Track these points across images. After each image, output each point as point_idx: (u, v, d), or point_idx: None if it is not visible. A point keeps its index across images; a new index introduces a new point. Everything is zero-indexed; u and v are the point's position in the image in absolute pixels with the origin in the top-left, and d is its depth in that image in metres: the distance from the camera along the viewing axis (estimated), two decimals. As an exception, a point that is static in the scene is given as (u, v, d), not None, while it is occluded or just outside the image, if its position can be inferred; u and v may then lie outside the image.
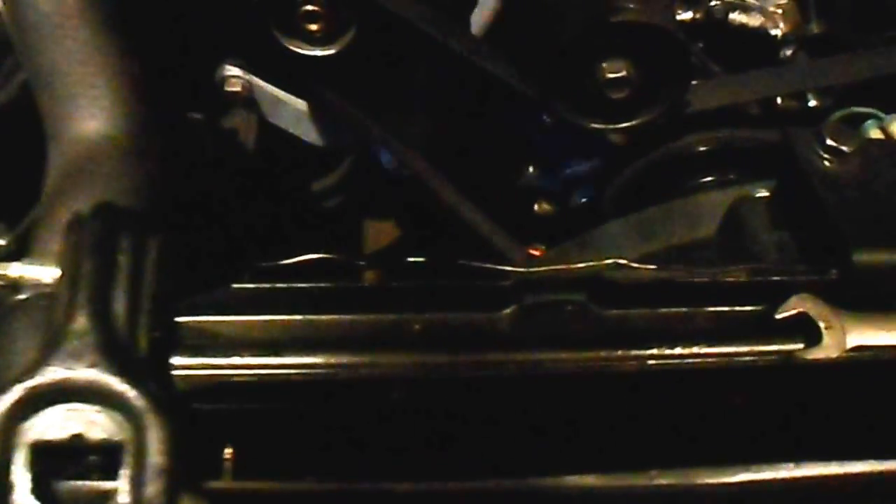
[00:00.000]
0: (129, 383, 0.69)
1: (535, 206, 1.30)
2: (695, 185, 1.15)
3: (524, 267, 0.84)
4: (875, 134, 1.01)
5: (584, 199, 1.24)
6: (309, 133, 1.09)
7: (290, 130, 1.09)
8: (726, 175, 1.14)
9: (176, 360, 0.79)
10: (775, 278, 0.85)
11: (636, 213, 1.09)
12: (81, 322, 0.71)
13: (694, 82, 1.07)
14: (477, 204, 1.07)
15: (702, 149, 1.16)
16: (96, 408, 0.70)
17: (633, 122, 1.07)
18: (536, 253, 1.13)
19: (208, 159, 1.04)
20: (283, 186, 1.16)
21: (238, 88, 1.05)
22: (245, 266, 0.89)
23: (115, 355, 0.71)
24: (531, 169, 1.30)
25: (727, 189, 1.05)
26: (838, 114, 1.04)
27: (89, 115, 0.86)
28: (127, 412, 0.69)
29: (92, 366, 0.70)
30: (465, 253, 0.92)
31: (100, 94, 0.87)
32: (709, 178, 1.15)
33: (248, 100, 1.06)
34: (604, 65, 1.00)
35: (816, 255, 0.90)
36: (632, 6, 0.99)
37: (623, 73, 1.02)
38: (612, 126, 1.07)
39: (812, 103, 1.22)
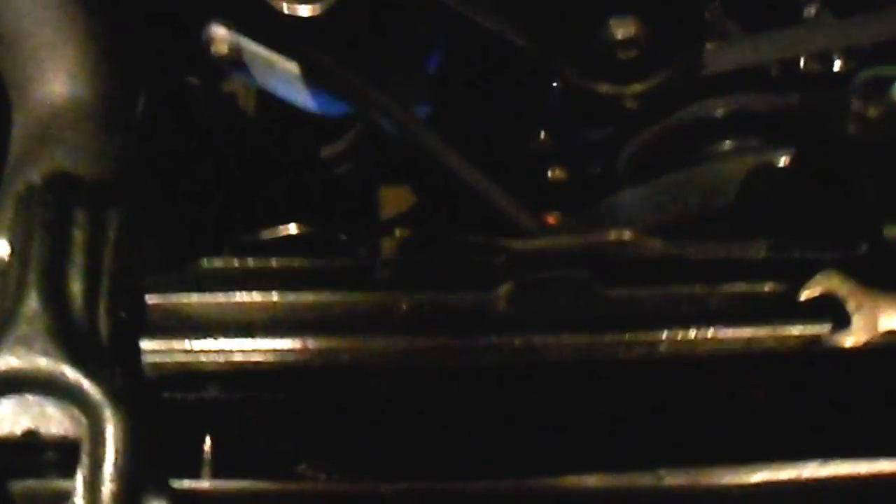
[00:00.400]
0: (84, 373, 0.63)
1: (549, 173, 1.23)
2: (712, 151, 1.08)
3: (527, 239, 0.76)
4: (903, 95, 0.93)
5: (598, 167, 1.17)
6: (303, 99, 1.02)
7: (282, 96, 1.02)
8: (745, 141, 1.07)
9: (144, 345, 0.72)
10: (799, 254, 0.78)
11: (651, 182, 1.02)
12: (32, 304, 0.65)
13: (710, 43, 1.02)
14: (486, 171, 1.01)
15: (719, 114, 1.09)
16: (50, 400, 0.63)
17: (644, 86, 1.01)
18: (551, 221, 1.07)
19: (200, 126, 0.98)
20: (284, 154, 1.09)
21: (225, 51, 0.97)
22: (223, 240, 0.83)
23: (69, 341, 0.65)
24: (543, 135, 1.23)
25: (746, 156, 0.97)
26: (864, 75, 0.96)
27: (53, 78, 0.80)
28: (83, 405, 0.63)
29: (44, 353, 0.64)
30: (468, 225, 0.85)
31: (65, 55, 0.80)
32: (727, 145, 1.08)
33: (236, 62, 0.99)
34: (611, 22, 0.95)
35: (844, 229, 0.82)
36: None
37: (632, 32, 0.96)
38: (621, 89, 1.00)
39: (837, 65, 1.14)
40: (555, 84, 1.11)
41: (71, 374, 0.64)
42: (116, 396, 0.65)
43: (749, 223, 0.92)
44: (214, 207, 0.93)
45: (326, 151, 1.14)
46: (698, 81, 1.04)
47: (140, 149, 0.81)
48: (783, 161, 0.94)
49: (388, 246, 0.92)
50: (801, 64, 1.11)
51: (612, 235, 0.76)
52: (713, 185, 0.98)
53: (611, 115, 1.11)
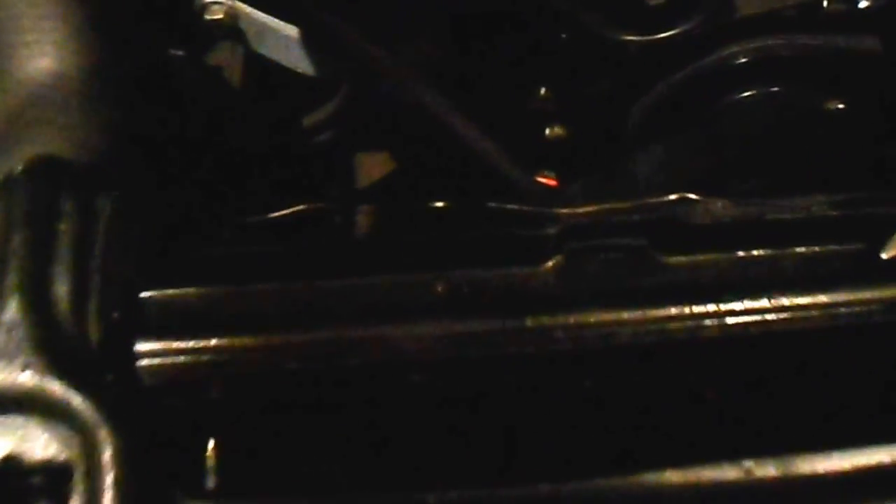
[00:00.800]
0: (74, 388, 0.53)
1: (546, 131, 1.15)
2: (733, 100, 1.00)
3: (574, 205, 0.67)
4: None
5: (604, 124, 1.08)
6: (300, 62, 0.95)
7: (280, 61, 0.95)
8: (768, 87, 0.98)
9: (141, 347, 0.62)
10: (877, 209, 0.69)
11: (672, 138, 0.93)
12: (11, 311, 0.54)
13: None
14: (483, 130, 0.93)
15: (741, 61, 1.00)
16: (35, 419, 0.53)
17: (670, 33, 0.92)
18: (550, 182, 1.00)
19: (188, 98, 0.88)
20: (270, 122, 1.00)
21: (220, 16, 0.90)
22: (223, 221, 0.73)
23: (56, 352, 0.55)
24: (542, 90, 1.14)
25: (787, 102, 0.88)
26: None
27: (37, 53, 0.70)
28: (74, 424, 0.53)
29: (25, 367, 0.53)
30: (477, 193, 0.76)
31: (49, 27, 0.71)
32: (749, 93, 0.99)
33: (232, 29, 0.91)
34: None
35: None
36: None
37: None
38: (646, 38, 0.92)
39: (863, 4, 1.05)
40: (562, 34, 1.02)
41: (58, 389, 0.54)
42: (112, 412, 0.55)
43: (796, 178, 0.83)
44: (205, 186, 0.83)
45: (310, 119, 1.06)
46: (721, 27, 0.96)
47: (129, 126, 0.70)
48: (835, 107, 0.85)
49: (407, 219, 0.82)
50: (825, 4, 1.04)
51: (672, 196, 0.67)
52: (747, 136, 0.89)
53: (624, 66, 1.03)
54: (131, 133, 0.73)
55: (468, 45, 1.04)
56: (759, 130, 0.93)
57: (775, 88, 0.98)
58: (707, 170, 0.96)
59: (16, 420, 0.54)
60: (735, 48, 0.99)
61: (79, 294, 0.58)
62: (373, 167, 1.15)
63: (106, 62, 0.74)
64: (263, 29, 0.93)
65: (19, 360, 0.53)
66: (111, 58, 0.74)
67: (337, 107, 1.04)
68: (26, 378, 0.54)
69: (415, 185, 0.99)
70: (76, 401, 0.54)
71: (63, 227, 0.59)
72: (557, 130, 1.13)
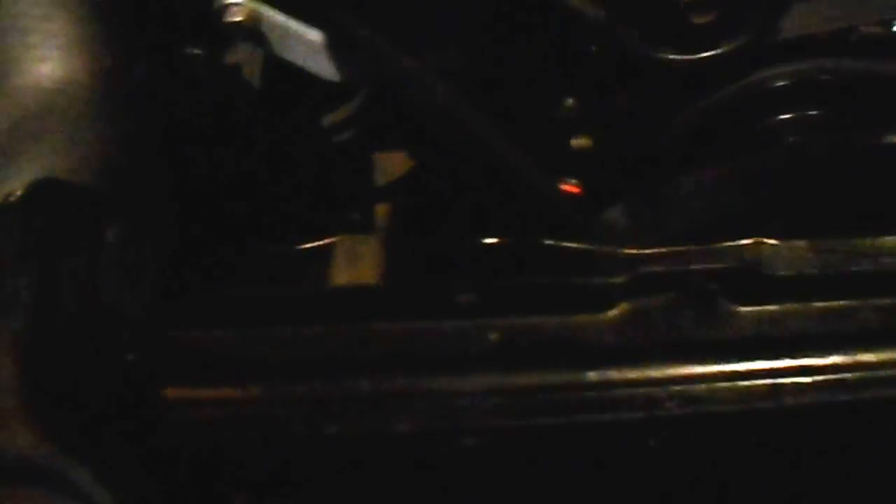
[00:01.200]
0: (76, 458, 0.47)
1: (572, 141, 1.11)
2: (772, 124, 0.95)
3: (638, 247, 0.62)
4: None
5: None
6: (324, 67, 0.90)
7: (302, 65, 0.89)
8: (805, 111, 0.94)
9: (165, 394, 0.56)
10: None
11: (717, 166, 0.88)
12: (4, 374, 0.48)
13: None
14: (508, 137, 0.88)
15: (781, 84, 0.96)
16: (34, 492, 0.47)
17: (713, 53, 0.87)
18: (574, 190, 0.94)
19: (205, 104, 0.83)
20: (287, 125, 0.95)
21: (241, 18, 0.84)
22: (248, 249, 0.67)
23: (52, 416, 0.48)
24: (570, 100, 1.09)
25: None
26: None
27: (41, 57, 0.64)
28: (71, 492, 0.47)
29: (20, 435, 0.47)
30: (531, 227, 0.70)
31: (55, 29, 0.64)
32: (787, 116, 0.95)
33: (253, 32, 0.85)
34: None
35: None
36: None
37: None
38: (688, 57, 0.87)
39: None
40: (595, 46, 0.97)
41: (58, 459, 0.47)
42: (125, 482, 0.48)
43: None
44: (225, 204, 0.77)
45: (329, 119, 1.01)
46: (765, 48, 0.91)
47: (140, 138, 0.64)
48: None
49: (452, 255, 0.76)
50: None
51: (745, 241, 0.61)
52: (807, 172, 0.84)
53: (661, 83, 0.98)
54: (143, 145, 0.67)
55: (497, 50, 0.99)
56: (809, 163, 0.88)
57: (820, 114, 0.93)
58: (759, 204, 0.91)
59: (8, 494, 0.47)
60: (780, 70, 0.94)
61: (87, 342, 0.51)
62: (394, 167, 1.11)
63: (115, 67, 0.68)
64: (286, 33, 0.89)
65: (13, 427, 0.47)
66: (121, 62, 0.68)
67: (357, 108, 1.00)
68: (22, 446, 0.47)
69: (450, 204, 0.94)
70: (72, 468, 0.47)
71: (65, 264, 0.53)
72: (583, 141, 1.09)
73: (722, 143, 0.97)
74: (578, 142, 1.07)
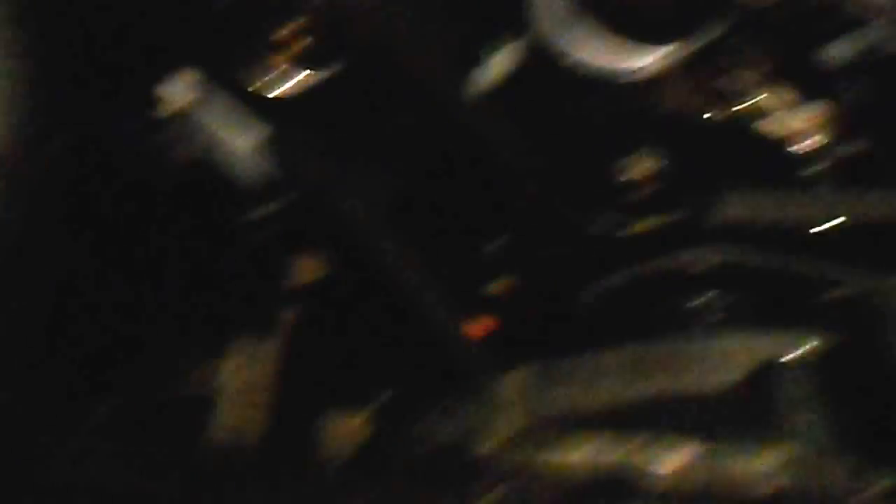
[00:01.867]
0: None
1: (493, 284, 1.13)
2: (692, 308, 0.99)
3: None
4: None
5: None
6: (256, 167, 0.92)
7: (229, 164, 0.92)
8: (726, 296, 0.97)
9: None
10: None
11: (635, 346, 0.91)
12: None
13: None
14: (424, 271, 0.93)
15: (706, 266, 1.00)
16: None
17: (642, 227, 0.91)
18: (486, 327, 0.98)
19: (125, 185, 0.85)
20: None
21: (179, 107, 0.87)
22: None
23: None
24: (496, 240, 1.13)
25: (754, 338, 0.86)
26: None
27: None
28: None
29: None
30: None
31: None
32: (705, 297, 0.98)
33: (191, 122, 0.88)
34: (628, 160, 0.90)
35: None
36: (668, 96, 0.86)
37: (648, 170, 0.90)
38: (618, 229, 0.91)
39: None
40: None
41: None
42: None
43: (753, 418, 0.80)
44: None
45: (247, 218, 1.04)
46: (693, 228, 0.95)
47: (61, 211, 0.65)
48: (801, 350, 0.83)
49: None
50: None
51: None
52: (712, 364, 0.87)
53: (585, 249, 1.02)
54: (63, 220, 0.67)
55: (430, 182, 1.02)
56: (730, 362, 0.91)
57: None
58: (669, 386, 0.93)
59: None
60: (699, 252, 0.99)
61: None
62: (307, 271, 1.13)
63: (36, 137, 0.68)
64: (216, 130, 0.90)
65: None
66: (43, 132, 0.68)
67: (275, 210, 1.02)
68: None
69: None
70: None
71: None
72: (503, 284, 1.12)
73: (636, 318, 1.01)
74: (498, 285, 1.11)
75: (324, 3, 0.76)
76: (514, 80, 0.85)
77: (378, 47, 0.77)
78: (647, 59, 0.78)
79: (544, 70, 0.82)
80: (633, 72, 0.78)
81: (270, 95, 0.81)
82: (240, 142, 0.89)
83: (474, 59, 0.84)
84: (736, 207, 0.98)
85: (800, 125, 1.10)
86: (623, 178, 0.88)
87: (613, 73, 0.78)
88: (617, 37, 0.77)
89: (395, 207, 0.96)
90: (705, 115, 1.03)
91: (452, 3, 0.84)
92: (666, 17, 0.76)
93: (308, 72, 0.79)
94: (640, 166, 0.87)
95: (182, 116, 0.88)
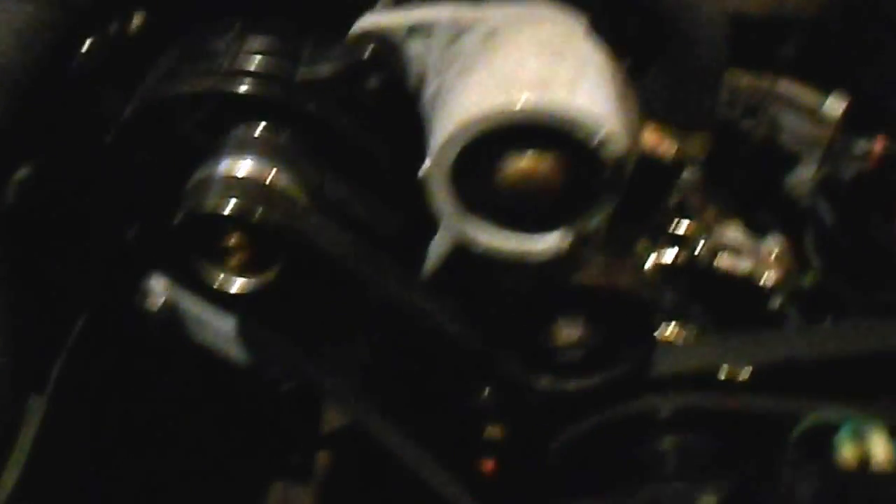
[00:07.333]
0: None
1: (486, 429, 1.19)
2: (655, 450, 1.03)
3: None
4: (848, 451, 0.87)
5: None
6: (238, 356, 0.99)
7: (216, 350, 0.99)
8: (686, 439, 1.03)
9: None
10: None
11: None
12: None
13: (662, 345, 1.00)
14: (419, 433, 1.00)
15: (664, 413, 1.05)
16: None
17: (586, 384, 0.97)
18: (487, 469, 1.06)
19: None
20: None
21: (158, 306, 0.95)
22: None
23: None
24: (486, 391, 1.19)
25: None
26: (807, 422, 0.91)
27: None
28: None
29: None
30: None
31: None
32: (667, 439, 1.04)
33: (169, 319, 0.96)
34: (558, 323, 0.94)
35: None
36: (593, 266, 0.89)
37: (578, 334, 0.94)
38: (561, 387, 0.97)
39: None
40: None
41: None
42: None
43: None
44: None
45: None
46: (646, 379, 1.00)
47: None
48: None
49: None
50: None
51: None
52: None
53: (546, 402, 1.07)
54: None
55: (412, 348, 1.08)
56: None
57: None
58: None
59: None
60: (655, 400, 1.03)
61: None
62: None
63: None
64: (200, 318, 0.96)
65: None
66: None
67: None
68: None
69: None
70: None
71: None
72: (494, 430, 1.17)
73: (600, 467, 1.06)
74: (491, 431, 1.17)
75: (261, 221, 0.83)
76: (450, 261, 0.92)
77: (311, 255, 0.85)
78: (547, 242, 0.83)
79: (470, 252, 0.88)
80: (538, 254, 0.84)
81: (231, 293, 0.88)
82: (226, 324, 0.95)
83: (412, 248, 0.92)
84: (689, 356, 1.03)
85: (756, 261, 1.14)
86: (555, 343, 0.94)
87: (521, 255, 0.84)
88: (509, 227, 0.81)
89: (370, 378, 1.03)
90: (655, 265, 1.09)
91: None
92: (554, 203, 0.79)
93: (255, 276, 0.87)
94: (566, 331, 0.93)
95: (164, 313, 0.96)
